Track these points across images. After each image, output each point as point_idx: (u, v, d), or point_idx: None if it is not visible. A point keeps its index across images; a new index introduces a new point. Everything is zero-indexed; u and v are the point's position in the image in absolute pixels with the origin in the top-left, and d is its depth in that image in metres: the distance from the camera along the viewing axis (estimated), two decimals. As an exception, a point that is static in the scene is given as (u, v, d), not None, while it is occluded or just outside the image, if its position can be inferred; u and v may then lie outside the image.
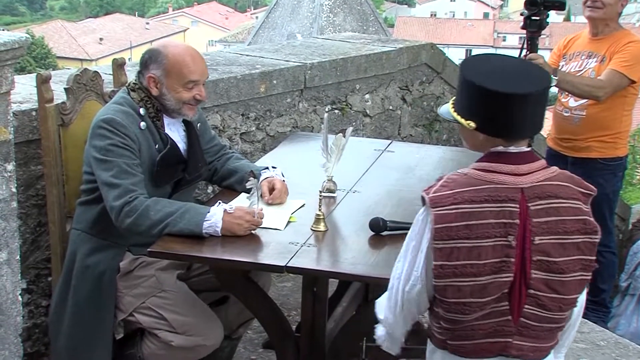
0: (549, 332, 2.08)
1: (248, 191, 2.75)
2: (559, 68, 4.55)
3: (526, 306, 2.01)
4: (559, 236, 1.99)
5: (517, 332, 2.04)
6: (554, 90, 4.71)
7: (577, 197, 2.04)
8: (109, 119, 2.79)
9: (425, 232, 2.01)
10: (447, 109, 2.13)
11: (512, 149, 2.02)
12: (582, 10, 4.60)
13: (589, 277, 2.06)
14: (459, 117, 2.07)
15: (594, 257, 2.05)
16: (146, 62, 2.91)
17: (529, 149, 2.05)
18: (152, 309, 2.86)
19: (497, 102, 1.97)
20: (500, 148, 2.02)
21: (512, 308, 2.01)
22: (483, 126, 2.02)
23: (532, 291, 2.00)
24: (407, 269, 2.07)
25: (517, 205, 1.97)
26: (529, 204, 1.98)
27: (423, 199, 2.02)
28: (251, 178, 2.76)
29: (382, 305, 2.18)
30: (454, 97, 2.13)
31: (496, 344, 2.05)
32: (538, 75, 2.05)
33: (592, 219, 2.04)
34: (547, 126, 5.18)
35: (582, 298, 2.14)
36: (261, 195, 2.94)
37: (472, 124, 2.03)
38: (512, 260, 1.97)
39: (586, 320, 4.32)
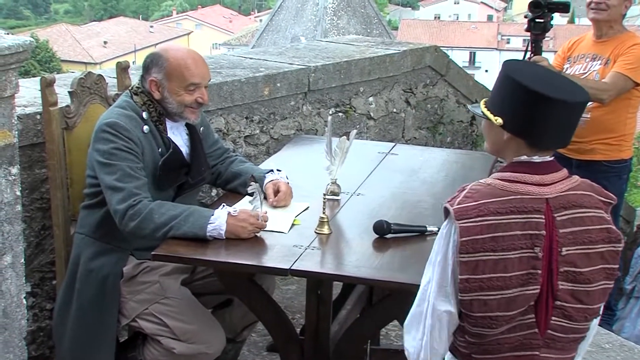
0: (574, 342, 2.07)
1: (251, 194, 2.75)
2: (564, 71, 4.55)
3: (553, 318, 1.99)
4: (585, 246, 1.97)
5: (544, 345, 2.01)
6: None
7: (599, 206, 2.02)
8: (112, 122, 2.79)
9: (450, 245, 1.98)
10: (479, 105, 2.11)
11: (536, 158, 2.00)
12: (586, 12, 4.59)
13: (612, 286, 2.04)
14: (488, 112, 2.05)
15: (617, 266, 2.03)
16: (148, 66, 2.91)
17: (551, 158, 2.03)
18: (155, 316, 2.86)
19: (530, 101, 1.95)
20: (524, 157, 2.00)
21: (538, 320, 1.99)
22: (509, 124, 2.00)
23: (558, 303, 1.98)
24: (436, 285, 2.01)
25: (543, 216, 1.95)
26: (555, 215, 1.96)
27: (447, 210, 1.99)
28: (252, 183, 2.75)
29: (410, 339, 2.09)
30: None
31: (523, 358, 2.02)
32: (577, 90, 2.02)
33: (615, 228, 2.02)
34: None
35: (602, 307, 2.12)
36: (265, 197, 2.94)
37: (500, 120, 2.00)
38: (539, 272, 1.94)
39: (591, 323, 4.31)
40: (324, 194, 2.84)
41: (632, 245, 5.64)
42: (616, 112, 4.45)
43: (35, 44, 2.78)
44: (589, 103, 4.44)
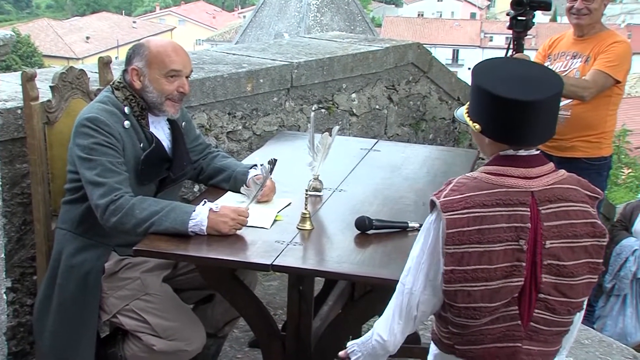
0: (557, 335, 2.08)
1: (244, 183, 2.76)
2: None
3: (536, 310, 2.00)
4: (569, 240, 1.98)
5: (527, 337, 2.03)
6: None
7: (585, 200, 2.03)
8: (93, 117, 2.78)
9: (435, 236, 1.99)
10: (462, 110, 2.13)
11: (522, 152, 2.01)
12: (567, 17, 4.62)
13: (596, 280, 2.05)
14: (467, 119, 2.06)
15: (601, 260, 2.04)
16: (130, 57, 2.92)
17: (538, 152, 2.04)
18: (135, 312, 2.85)
19: (499, 107, 1.96)
20: (510, 151, 2.01)
21: (521, 312, 2.00)
22: (487, 129, 2.01)
23: (542, 295, 1.99)
24: (420, 275, 2.03)
25: (528, 209, 1.96)
26: (540, 208, 1.97)
27: (433, 203, 2.00)
28: (262, 166, 2.80)
29: (386, 325, 2.11)
30: None
31: (505, 349, 2.03)
32: (548, 81, 2.01)
33: (600, 223, 2.04)
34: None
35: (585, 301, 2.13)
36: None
37: (477, 126, 2.02)
38: (523, 264, 1.95)
39: (571, 319, 4.34)
40: (306, 190, 2.84)
41: (610, 243, 5.68)
42: (597, 110, 4.48)
43: (16, 39, 2.77)
44: (570, 100, 4.48)
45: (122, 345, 2.91)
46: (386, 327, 2.10)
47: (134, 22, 57.82)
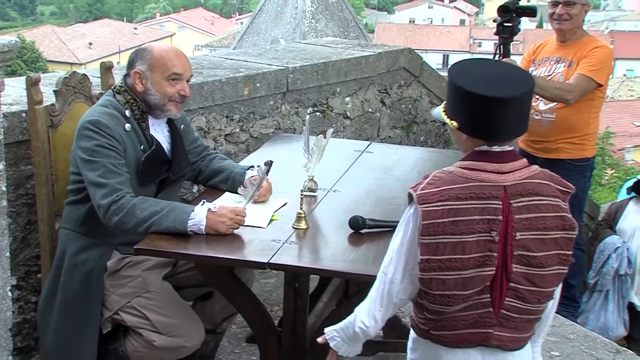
0: (527, 323, 2.11)
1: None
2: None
3: (507, 299, 2.03)
4: (539, 232, 2.01)
5: (498, 323, 2.06)
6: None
7: (556, 194, 2.05)
8: (95, 120, 2.78)
9: (413, 228, 2.02)
10: (439, 109, 2.15)
11: (496, 148, 2.04)
12: (549, 22, 4.65)
13: (566, 271, 2.09)
14: (445, 116, 2.09)
15: (570, 252, 2.08)
16: (132, 60, 2.92)
17: (511, 148, 2.06)
18: (136, 309, 2.85)
19: (475, 104, 1.99)
20: (484, 147, 2.04)
21: (493, 300, 2.03)
22: (464, 126, 2.04)
23: (512, 284, 2.02)
24: (400, 265, 2.07)
25: (500, 202, 1.99)
26: (511, 201, 1.99)
27: (410, 195, 2.03)
28: (259, 167, 2.80)
29: (368, 312, 2.14)
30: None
31: (477, 334, 2.07)
32: (521, 80, 2.05)
33: (570, 216, 2.06)
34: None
35: (558, 291, 2.17)
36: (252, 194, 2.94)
37: (455, 124, 2.05)
38: (495, 254, 1.99)
39: (557, 315, 4.35)
40: (302, 191, 2.84)
41: (595, 241, 5.69)
42: (580, 112, 4.51)
43: (20, 44, 2.76)
44: (554, 104, 4.50)
45: (123, 341, 2.90)
46: (368, 314, 2.13)
47: (135, 28, 57.72)
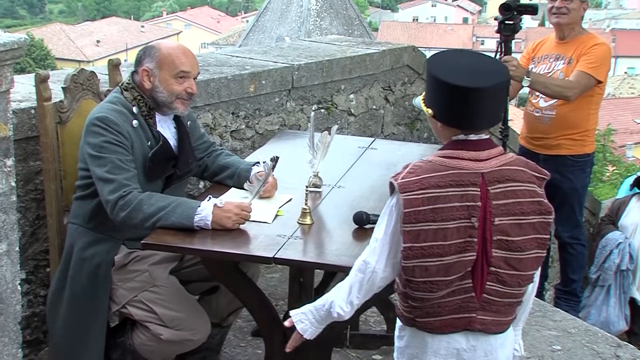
0: (509, 306, 2.14)
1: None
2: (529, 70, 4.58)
3: (488, 283, 2.07)
4: (517, 217, 2.05)
5: (480, 308, 2.09)
6: (525, 91, 4.75)
7: (532, 180, 2.09)
8: (102, 117, 2.78)
9: (396, 217, 2.05)
10: (419, 98, 2.19)
11: (472, 136, 2.07)
12: (548, 17, 4.65)
13: (544, 254, 2.12)
14: (422, 104, 2.14)
15: (548, 236, 2.11)
16: (140, 58, 2.91)
17: (487, 136, 2.10)
18: (144, 303, 2.85)
19: (448, 93, 2.03)
20: (461, 136, 2.08)
21: (475, 285, 2.06)
22: (439, 114, 2.08)
23: (493, 269, 2.05)
24: (383, 255, 2.09)
25: (479, 189, 2.03)
26: (489, 188, 2.03)
27: (392, 185, 2.06)
28: (264, 163, 2.81)
29: (346, 298, 2.16)
30: None
31: (461, 319, 2.10)
32: (493, 72, 2.08)
33: (546, 201, 2.10)
34: (519, 126, 5.22)
35: (537, 274, 2.20)
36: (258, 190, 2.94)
37: (430, 111, 2.10)
38: (475, 240, 2.02)
39: (558, 309, 4.35)
40: (307, 186, 2.84)
41: (596, 237, 5.68)
42: (580, 109, 4.51)
43: (29, 41, 2.76)
44: (554, 101, 4.50)
45: (130, 334, 2.91)
46: (346, 301, 2.15)
47: (142, 26, 57.73)
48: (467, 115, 2.04)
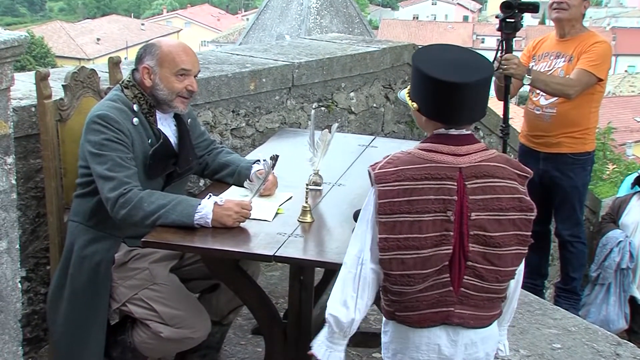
0: (489, 301, 2.14)
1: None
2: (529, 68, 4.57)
3: (465, 277, 2.07)
4: (495, 212, 2.05)
5: (458, 302, 2.10)
6: (525, 89, 4.74)
7: (513, 177, 2.09)
8: (103, 114, 2.78)
9: (373, 207, 2.06)
10: (404, 91, 2.20)
11: (453, 131, 2.08)
12: (548, 13, 4.65)
13: (525, 251, 2.12)
14: (407, 98, 2.14)
15: (529, 233, 2.11)
16: (141, 55, 2.91)
17: (469, 132, 2.11)
18: (144, 301, 2.85)
19: (433, 87, 2.04)
20: (442, 130, 2.09)
21: (452, 279, 2.07)
22: (423, 108, 2.09)
23: (470, 263, 2.06)
24: (364, 244, 2.09)
25: (455, 183, 2.03)
26: (466, 182, 2.04)
27: (369, 174, 2.07)
28: (265, 161, 2.82)
29: (335, 299, 2.14)
30: None
31: (439, 314, 2.10)
32: (478, 67, 2.09)
33: (528, 198, 2.10)
34: (520, 124, 5.22)
35: (520, 270, 2.20)
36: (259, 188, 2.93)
37: (415, 105, 2.11)
38: (451, 234, 2.03)
39: (558, 308, 4.35)
40: (307, 184, 2.84)
41: (597, 235, 5.68)
42: (580, 107, 4.50)
43: (30, 39, 2.76)
44: (555, 99, 4.50)
45: (131, 332, 2.91)
46: (339, 301, 2.13)
47: (143, 24, 57.69)
48: (451, 110, 2.05)
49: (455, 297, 2.08)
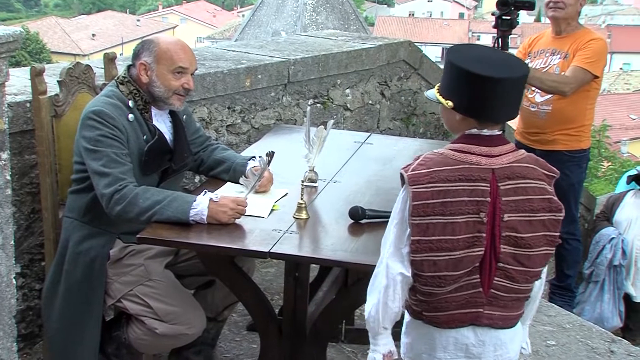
0: (516, 301, 2.14)
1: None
2: (526, 65, 4.58)
3: (496, 278, 2.06)
4: (526, 214, 2.04)
5: (488, 303, 2.09)
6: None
7: (542, 178, 2.09)
8: (98, 110, 2.77)
9: (402, 208, 2.05)
10: (433, 91, 2.17)
11: (485, 131, 2.06)
12: (544, 11, 4.65)
13: (553, 251, 2.12)
14: (440, 97, 2.11)
15: (557, 233, 2.10)
16: (138, 51, 2.90)
17: (500, 132, 2.09)
18: (139, 297, 2.85)
19: (473, 83, 2.01)
20: (474, 130, 2.06)
21: (482, 280, 2.06)
22: (459, 106, 2.06)
23: (501, 264, 2.05)
24: (392, 247, 2.08)
25: (488, 185, 2.02)
26: (499, 184, 2.02)
27: (402, 176, 2.05)
28: (260, 157, 2.82)
29: (369, 300, 2.13)
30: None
31: (468, 314, 2.09)
32: (517, 65, 2.09)
33: (556, 199, 2.10)
34: (515, 121, 5.22)
35: (545, 270, 2.19)
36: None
37: (450, 103, 2.07)
38: (484, 235, 2.02)
39: (553, 305, 4.36)
40: (302, 181, 2.84)
41: (592, 233, 5.69)
42: (576, 104, 4.51)
43: (25, 34, 2.75)
44: (550, 96, 4.50)
45: (126, 328, 2.90)
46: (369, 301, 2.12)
47: (138, 20, 57.58)
48: (489, 107, 2.03)
49: (485, 298, 2.07)
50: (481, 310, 2.09)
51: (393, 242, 2.08)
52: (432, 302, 2.08)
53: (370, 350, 2.19)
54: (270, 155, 2.89)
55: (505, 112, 2.08)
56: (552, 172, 2.12)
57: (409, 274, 2.06)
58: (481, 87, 2.01)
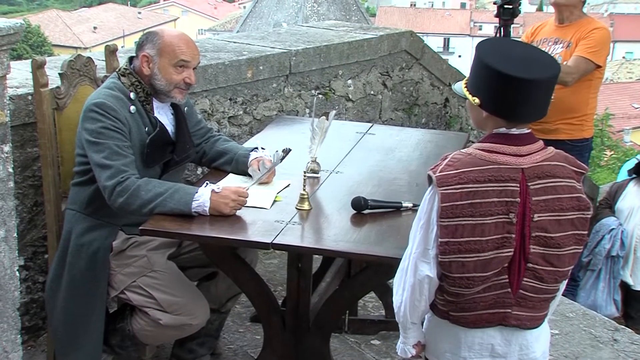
0: (544, 302, 2.12)
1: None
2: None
3: (525, 279, 2.04)
4: (556, 213, 2.01)
5: (516, 303, 2.06)
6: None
7: (571, 175, 2.05)
8: (100, 102, 2.77)
9: (431, 209, 2.01)
10: (460, 84, 2.13)
11: (514, 130, 2.03)
12: None
13: (581, 250, 2.09)
14: (467, 93, 2.07)
15: (586, 232, 2.08)
16: (142, 43, 2.90)
17: (529, 130, 2.05)
18: (142, 288, 2.85)
19: (501, 83, 1.97)
20: (503, 130, 2.03)
21: (511, 281, 2.03)
22: (486, 104, 2.02)
23: (530, 265, 2.02)
24: (419, 247, 2.05)
25: (518, 185, 1.98)
26: (529, 184, 1.99)
27: (430, 177, 2.02)
28: (276, 152, 2.83)
29: (395, 292, 2.14)
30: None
31: (496, 315, 2.07)
32: (548, 63, 2.04)
33: (585, 197, 2.06)
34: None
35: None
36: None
37: (477, 101, 2.03)
38: (513, 236, 1.99)
39: (556, 294, 4.36)
40: (305, 172, 2.83)
41: (593, 221, 5.68)
42: (579, 93, 4.49)
43: (26, 27, 2.75)
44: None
45: (130, 320, 2.91)
46: (397, 300, 2.12)
47: (139, 12, 57.50)
48: (518, 107, 1.98)
49: (513, 298, 2.05)
50: (509, 310, 2.06)
51: (420, 242, 2.05)
52: (460, 303, 2.06)
53: (400, 342, 2.19)
54: (287, 151, 2.89)
55: (535, 112, 2.03)
56: (581, 169, 2.08)
57: (436, 277, 2.04)
58: (508, 87, 1.96)
